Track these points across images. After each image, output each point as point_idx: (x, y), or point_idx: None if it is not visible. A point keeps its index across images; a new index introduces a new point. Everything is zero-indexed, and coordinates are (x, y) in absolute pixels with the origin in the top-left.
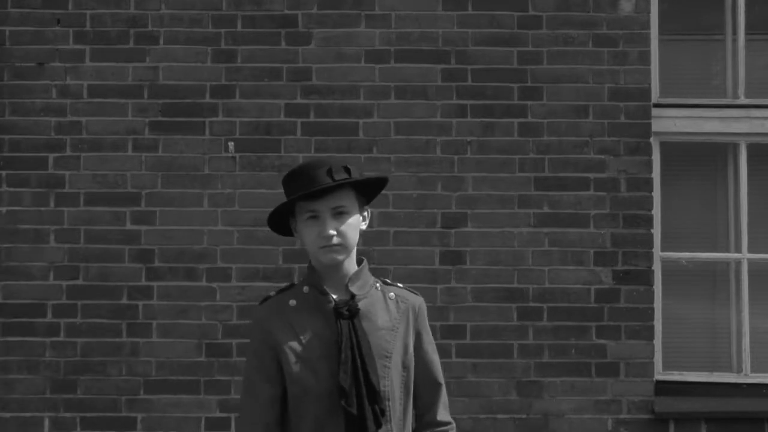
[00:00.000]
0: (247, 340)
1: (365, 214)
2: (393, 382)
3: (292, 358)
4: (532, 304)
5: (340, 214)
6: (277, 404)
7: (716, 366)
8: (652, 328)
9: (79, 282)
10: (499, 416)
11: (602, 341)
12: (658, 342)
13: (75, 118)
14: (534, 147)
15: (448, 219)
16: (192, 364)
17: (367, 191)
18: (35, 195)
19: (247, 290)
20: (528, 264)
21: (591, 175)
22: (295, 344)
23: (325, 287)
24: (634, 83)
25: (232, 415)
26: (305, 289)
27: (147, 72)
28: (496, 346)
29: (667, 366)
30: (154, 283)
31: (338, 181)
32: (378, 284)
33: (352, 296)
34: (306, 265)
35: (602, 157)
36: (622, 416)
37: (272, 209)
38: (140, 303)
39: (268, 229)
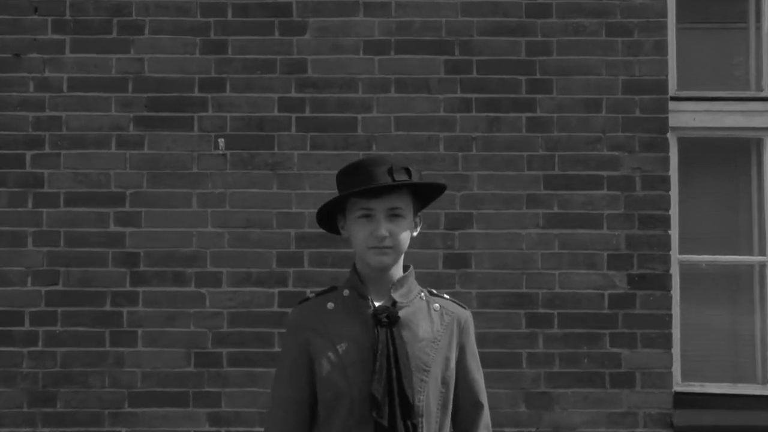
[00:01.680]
0: (239, 349)
1: (417, 220)
2: (429, 397)
3: (325, 363)
4: (541, 311)
5: (395, 216)
6: (304, 409)
7: (739, 377)
8: (669, 335)
9: (59, 288)
10: (507, 430)
11: (616, 350)
12: (676, 351)
13: (54, 113)
14: (543, 143)
15: (451, 220)
16: (180, 374)
17: (423, 197)
18: (12, 195)
19: (239, 296)
20: (537, 267)
21: (604, 173)
22: (329, 348)
23: (366, 292)
24: (649, 75)
25: (223, 429)
26: (345, 292)
27: (131, 64)
28: (504, 355)
29: (687, 376)
30: (140, 289)
31: (399, 181)
32: (423, 293)
33: (394, 303)
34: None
35: (616, 153)
36: (638, 430)
37: (323, 203)
38: (125, 310)
39: (260, 230)
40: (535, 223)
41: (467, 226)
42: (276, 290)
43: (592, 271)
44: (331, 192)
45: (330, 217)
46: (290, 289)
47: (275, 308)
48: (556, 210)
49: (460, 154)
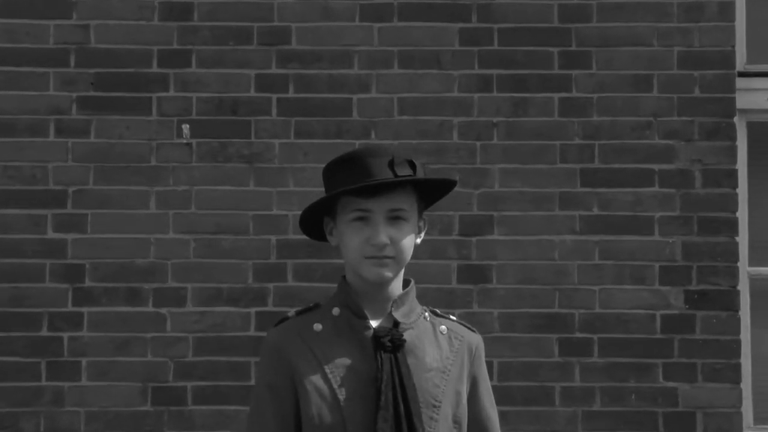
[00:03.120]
0: (207, 382)
1: (421, 223)
2: None
3: (315, 397)
4: (578, 335)
5: (396, 219)
6: None
7: None
8: (738, 366)
9: None
10: None
11: (672, 384)
12: (746, 386)
13: None
14: (580, 130)
15: (467, 224)
16: (134, 414)
17: (428, 196)
18: None
19: (207, 317)
20: (572, 282)
21: (655, 167)
22: (319, 380)
23: (363, 310)
24: (712, 45)
25: None
26: (335, 311)
27: (74, 32)
28: (532, 389)
29: (760, 417)
30: (85, 309)
31: (402, 177)
32: (426, 313)
33: (396, 324)
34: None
35: (670, 142)
36: None
37: (309, 204)
38: (65, 335)
39: (234, 236)
40: (571, 228)
41: (487, 232)
42: (252, 310)
43: (641, 287)
44: (320, 191)
45: (316, 220)
46: (270, 308)
47: (252, 332)
48: (595, 212)
49: (478, 143)
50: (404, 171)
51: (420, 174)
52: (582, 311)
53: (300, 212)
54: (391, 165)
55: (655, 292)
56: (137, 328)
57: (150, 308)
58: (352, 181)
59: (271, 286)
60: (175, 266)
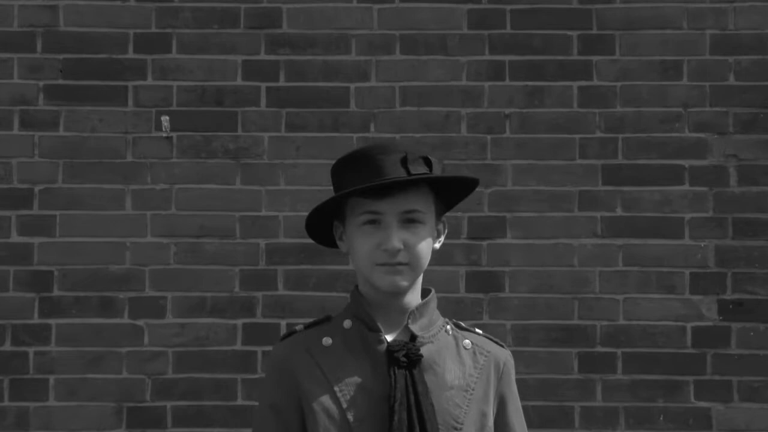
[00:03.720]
0: (189, 402)
1: (440, 227)
2: None
3: (323, 420)
4: (600, 349)
5: (411, 222)
6: None
7: None
8: None
9: None
10: None
11: (704, 404)
12: None
13: None
14: (602, 122)
15: (477, 226)
16: None
17: (446, 197)
18: None
19: (189, 330)
20: (593, 291)
21: (685, 163)
22: (327, 400)
23: (376, 323)
24: (748, 28)
25: None
26: (347, 323)
27: (40, 13)
28: (549, 409)
29: None
30: (52, 321)
31: (416, 175)
32: (449, 326)
33: (413, 337)
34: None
35: (702, 136)
36: None
37: (315, 207)
38: (31, 350)
39: (219, 240)
40: (591, 231)
41: (498, 235)
42: (239, 322)
43: (670, 295)
44: (314, 190)
45: (324, 224)
46: (258, 320)
47: (238, 346)
48: (619, 213)
49: (488, 137)
50: (419, 169)
51: (437, 172)
52: (604, 323)
53: (291, 214)
54: (405, 162)
55: (686, 302)
56: (111, 342)
57: (125, 320)
58: (360, 181)
59: (259, 295)
60: (154, 273)
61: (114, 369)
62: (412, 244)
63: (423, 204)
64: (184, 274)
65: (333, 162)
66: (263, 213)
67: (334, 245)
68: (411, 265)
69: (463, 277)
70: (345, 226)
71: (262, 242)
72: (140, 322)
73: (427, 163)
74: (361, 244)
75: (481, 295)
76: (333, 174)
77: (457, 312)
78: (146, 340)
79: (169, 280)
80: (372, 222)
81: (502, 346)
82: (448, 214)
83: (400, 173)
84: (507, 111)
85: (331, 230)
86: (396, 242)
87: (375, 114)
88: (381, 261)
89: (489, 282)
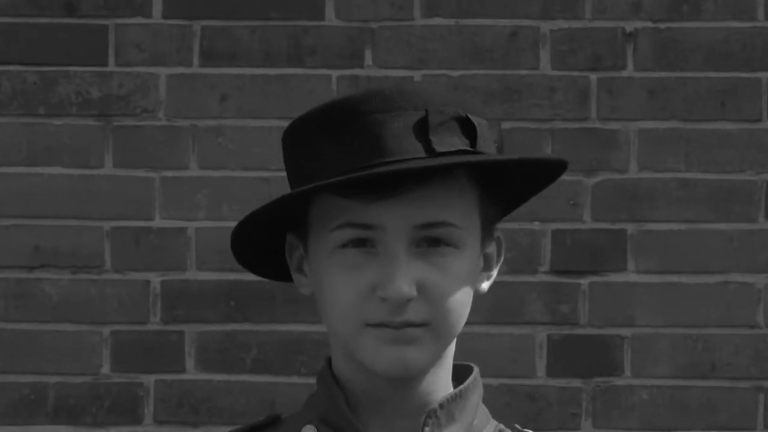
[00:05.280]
0: None
1: (491, 251)
2: None
3: None
4: None
5: (434, 245)
6: None
7: None
8: None
9: None
10: None
11: None
12: None
13: None
14: None
15: (569, 250)
16: None
17: (505, 193)
18: None
19: None
20: None
21: None
22: None
23: (355, 423)
24: None
25: None
26: (308, 429)
27: None
28: None
29: None
30: None
31: (445, 155)
32: None
33: None
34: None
35: None
36: None
37: (252, 211)
38: None
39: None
40: None
41: (611, 266)
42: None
43: None
44: (254, 178)
45: (268, 240)
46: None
47: None
48: None
49: (593, 75)
50: (451, 141)
51: (486, 147)
52: None
53: (210, 223)
54: (424, 128)
55: None
56: None
57: None
58: (339, 165)
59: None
60: None
61: None
62: (434, 285)
63: (458, 210)
64: None
65: (287, 125)
66: (156, 222)
67: (285, 277)
68: (432, 326)
69: (543, 345)
70: (308, 247)
71: (155, 279)
72: None
73: (468, 129)
74: (338, 284)
75: (578, 382)
76: (287, 147)
77: (529, 411)
78: None
79: None
80: (360, 243)
81: None
82: (503, 224)
83: (414, 151)
84: (629, 27)
85: (280, 252)
86: (404, 285)
87: (373, 31)
88: (375, 319)
89: (592, 356)
